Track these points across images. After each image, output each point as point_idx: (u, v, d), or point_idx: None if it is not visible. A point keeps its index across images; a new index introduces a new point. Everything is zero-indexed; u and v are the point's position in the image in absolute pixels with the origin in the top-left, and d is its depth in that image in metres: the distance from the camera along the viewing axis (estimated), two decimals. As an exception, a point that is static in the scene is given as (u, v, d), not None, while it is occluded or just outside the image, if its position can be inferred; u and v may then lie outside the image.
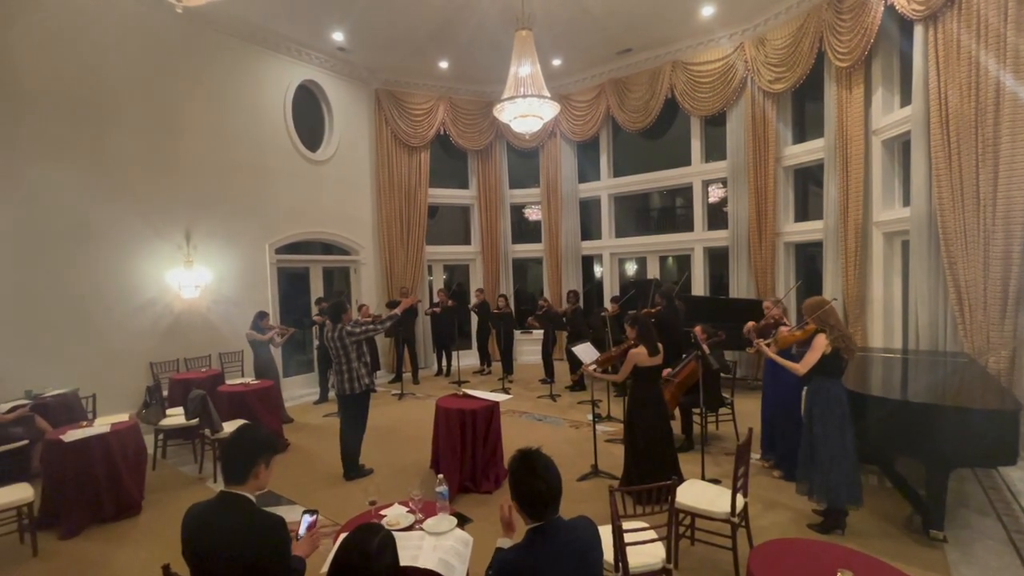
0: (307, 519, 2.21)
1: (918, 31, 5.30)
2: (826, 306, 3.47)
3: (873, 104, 6.37)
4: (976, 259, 4.73)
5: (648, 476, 3.79)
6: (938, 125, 5.03)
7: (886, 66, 6.28)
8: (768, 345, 3.80)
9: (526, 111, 6.02)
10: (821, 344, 3.37)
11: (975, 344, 4.75)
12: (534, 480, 1.79)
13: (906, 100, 5.98)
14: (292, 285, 8.52)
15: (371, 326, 4.79)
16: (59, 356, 5.60)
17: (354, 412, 4.83)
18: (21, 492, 3.71)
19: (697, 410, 4.91)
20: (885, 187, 6.33)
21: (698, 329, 4.80)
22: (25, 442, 4.61)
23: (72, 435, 4.09)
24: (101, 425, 4.36)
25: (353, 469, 4.81)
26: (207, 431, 5.00)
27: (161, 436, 5.40)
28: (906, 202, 6.04)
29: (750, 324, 4.40)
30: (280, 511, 2.14)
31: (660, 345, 4.05)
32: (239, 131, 7.36)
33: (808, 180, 7.90)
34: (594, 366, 4.39)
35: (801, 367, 3.43)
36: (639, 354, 3.97)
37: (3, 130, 5.32)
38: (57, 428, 4.52)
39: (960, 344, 4.92)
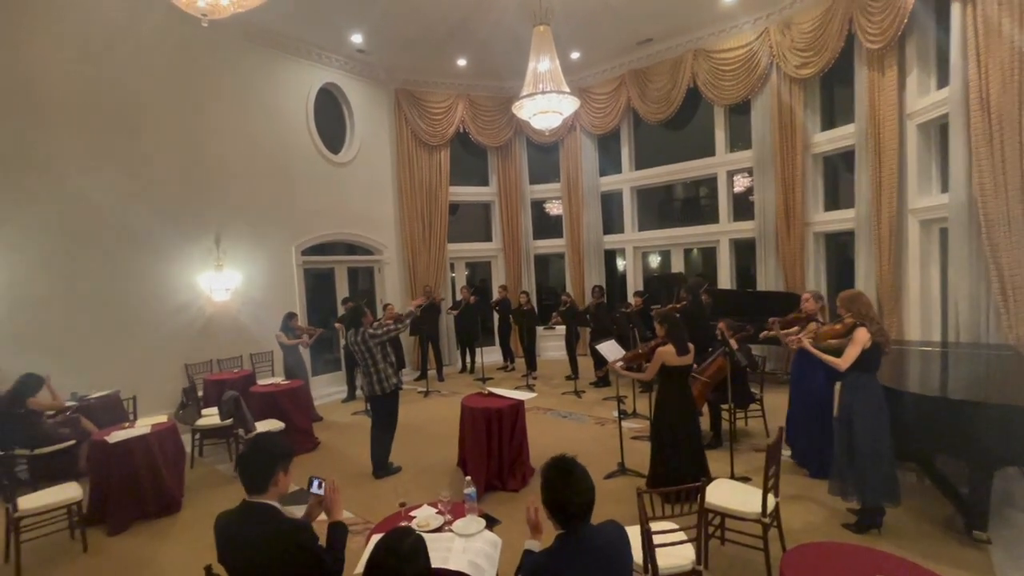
0: (316, 483, 2.20)
1: (955, 9, 5.07)
2: (863, 299, 3.40)
3: (907, 87, 6.14)
4: (1021, 246, 4.53)
5: (675, 476, 3.76)
6: (978, 107, 4.81)
7: (921, 47, 6.03)
8: (808, 335, 3.72)
9: (545, 107, 5.99)
10: (863, 338, 3.29)
11: (1020, 335, 4.56)
12: (568, 492, 1.77)
13: (943, 82, 5.74)
14: (318, 286, 8.67)
15: (391, 326, 4.86)
16: (101, 359, 5.83)
17: (384, 413, 4.91)
18: (70, 491, 3.89)
19: (726, 406, 4.84)
20: (921, 173, 6.10)
21: (722, 324, 4.72)
22: (72, 442, 4.84)
23: (116, 436, 4.27)
24: (142, 426, 4.54)
25: (382, 468, 4.90)
26: (241, 431, 5.15)
27: (198, 436, 5.58)
28: (944, 188, 5.81)
29: (773, 320, 4.32)
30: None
31: (691, 344, 4.00)
32: (263, 136, 7.51)
33: (838, 167, 7.67)
34: (621, 363, 4.36)
35: (843, 362, 3.34)
36: (667, 352, 3.93)
37: (41, 142, 5.55)
38: (102, 429, 4.72)
39: (1004, 336, 4.72)
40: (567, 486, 1.77)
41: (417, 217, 9.51)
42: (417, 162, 9.50)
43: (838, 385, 3.64)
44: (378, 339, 4.78)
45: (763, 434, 5.32)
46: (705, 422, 5.14)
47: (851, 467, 3.39)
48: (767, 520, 2.96)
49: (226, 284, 6.94)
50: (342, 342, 7.90)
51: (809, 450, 4.34)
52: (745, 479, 4.13)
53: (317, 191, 8.18)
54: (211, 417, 5.45)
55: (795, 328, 4.28)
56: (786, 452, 4.56)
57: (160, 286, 6.43)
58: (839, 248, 7.72)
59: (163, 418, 4.81)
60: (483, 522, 2.58)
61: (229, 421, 5.16)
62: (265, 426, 5.26)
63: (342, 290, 8.75)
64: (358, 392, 7.67)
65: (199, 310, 6.79)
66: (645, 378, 4.19)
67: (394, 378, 4.85)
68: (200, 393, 6.27)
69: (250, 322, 7.26)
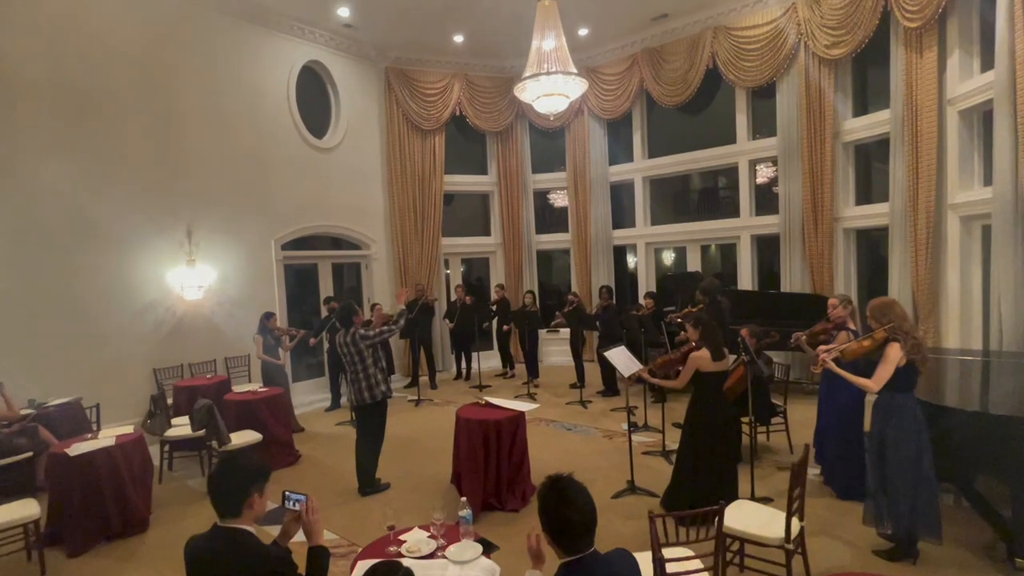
0: (292, 499, 2.13)
1: (1002, -16, 5.05)
2: (897, 309, 3.33)
3: (948, 70, 6.12)
4: (1071, 247, 4.52)
5: (707, 495, 3.75)
6: (1026, 93, 4.80)
7: (964, 26, 6.02)
8: (831, 353, 3.66)
9: (550, 89, 5.97)
10: (895, 355, 3.22)
11: (1069, 344, 4.55)
12: (565, 510, 1.78)
13: (987, 64, 5.72)
14: (300, 283, 8.66)
15: (385, 328, 4.85)
16: (61, 363, 5.82)
17: (371, 423, 4.90)
18: (28, 508, 3.88)
19: (746, 419, 4.84)
20: (962, 164, 6.09)
21: (744, 332, 4.72)
22: (30, 454, 4.82)
23: (77, 448, 4.25)
24: (106, 437, 4.53)
25: (369, 484, 4.90)
26: (214, 443, 5.14)
27: (167, 448, 5.57)
28: (987, 181, 5.80)
29: (797, 335, 4.32)
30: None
31: (726, 350, 4.01)
32: (240, 118, 7.49)
33: (871, 157, 7.65)
34: (650, 367, 4.38)
35: (874, 383, 3.29)
36: (701, 358, 3.95)
37: (-3, 126, 5.53)
38: (62, 440, 4.71)
39: (1052, 344, 4.72)
40: (564, 505, 1.77)
41: (409, 208, 9.49)
42: (409, 148, 9.48)
43: (869, 399, 3.62)
44: (370, 341, 4.76)
45: (787, 450, 5.31)
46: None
47: (884, 492, 3.37)
48: (791, 546, 2.95)
49: (199, 281, 6.92)
50: (326, 346, 7.89)
51: (838, 468, 4.33)
52: (767, 500, 4.13)
53: (299, 179, 8.16)
54: (182, 427, 5.43)
55: (822, 339, 4.26)
56: (814, 471, 4.56)
57: (126, 283, 6.41)
58: (871, 246, 7.71)
59: (129, 428, 4.79)
60: (480, 547, 2.57)
61: (201, 432, 5.14)
62: (241, 437, 5.25)
63: (326, 288, 8.74)
64: (343, 400, 7.67)
65: (169, 310, 6.77)
66: (677, 385, 4.18)
67: (383, 385, 4.84)
68: (170, 401, 6.25)
69: (225, 323, 7.24)
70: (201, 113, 7.09)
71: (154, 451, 5.33)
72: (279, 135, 7.96)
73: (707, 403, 4.03)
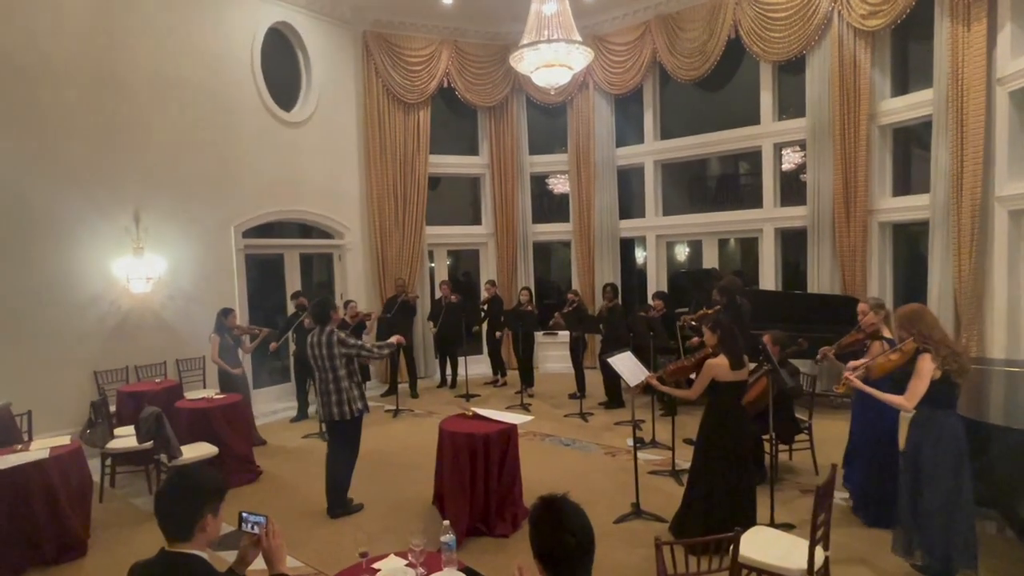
0: (250, 521, 2.11)
1: (1060, -50, 5.10)
2: (927, 317, 3.36)
3: (999, 45, 6.16)
4: None
5: (721, 522, 3.76)
6: (1084, 73, 4.85)
7: (1016, -5, 6.06)
8: (858, 371, 3.68)
9: (551, 60, 5.97)
10: (928, 368, 3.25)
11: None
12: (560, 534, 1.77)
13: (1042, 40, 5.77)
14: (263, 276, 8.63)
15: (366, 350, 4.86)
16: (-13, 364, 5.78)
17: (344, 440, 4.91)
18: (-53, 530, 3.85)
19: (767, 436, 4.87)
20: (1012, 152, 6.14)
21: (767, 338, 4.74)
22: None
23: (6, 461, 4.22)
24: (39, 449, 4.49)
25: (339, 505, 4.89)
26: (163, 456, 5.12)
27: (109, 461, 5.54)
28: (1040, 171, 5.85)
29: (824, 350, 4.35)
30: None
31: (746, 357, 4.04)
32: (197, 87, 7.44)
33: (911, 143, 7.70)
34: (661, 374, 4.40)
35: (907, 400, 3.31)
36: (719, 366, 3.96)
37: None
38: (-13, 452, 4.66)
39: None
40: (558, 526, 1.77)
41: (388, 193, 9.47)
42: (390, 124, 9.45)
43: (905, 416, 3.64)
44: (346, 350, 4.75)
45: (811, 471, 5.35)
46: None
47: (916, 518, 3.40)
48: (814, 579, 2.97)
49: (147, 272, 6.88)
50: (292, 347, 7.87)
51: (868, 492, 4.36)
52: (788, 527, 4.15)
53: (263, 158, 8.13)
54: (126, 439, 5.39)
55: (852, 351, 4.29)
56: (842, 495, 4.59)
57: (63, 274, 6.36)
58: (910, 242, 7.77)
59: (66, 439, 4.76)
60: (464, 577, 2.58)
61: (149, 444, 5.11)
62: (193, 451, 5.22)
63: (293, 282, 8.71)
64: (311, 410, 7.66)
65: (113, 304, 6.73)
66: (690, 396, 4.19)
67: (359, 403, 4.84)
68: (113, 408, 6.21)
69: (177, 320, 7.21)
70: (151, 81, 7.03)
71: (94, 465, 5.29)
72: (241, 107, 7.91)
73: (724, 417, 4.04)
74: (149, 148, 7.01)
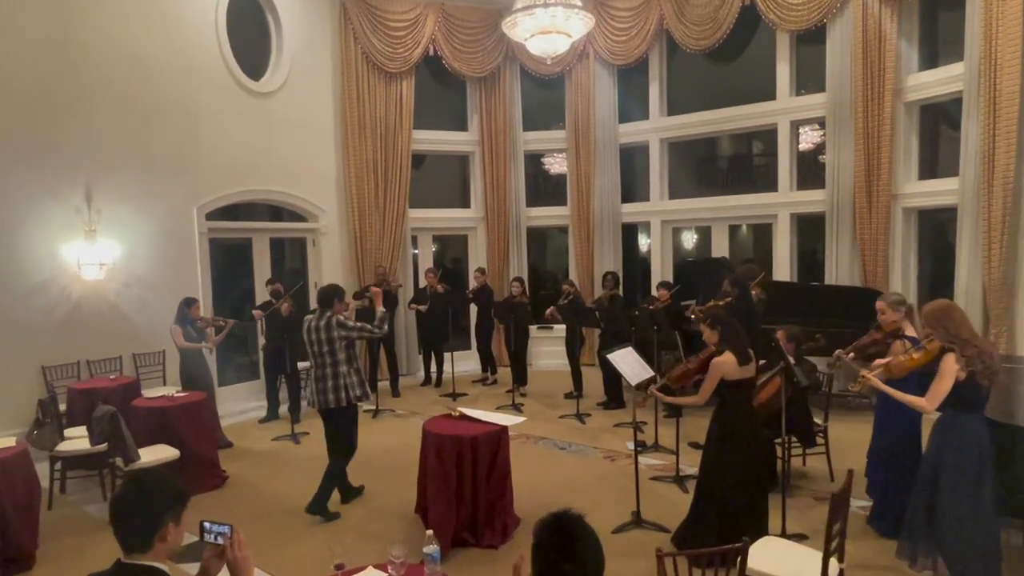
0: (213, 531, 2.11)
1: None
2: (954, 315, 3.39)
3: (1036, 15, 6.18)
4: None
5: (730, 533, 3.79)
6: None
7: (1056, -40, 6.07)
8: (876, 370, 3.70)
9: (548, 26, 5.96)
10: (951, 368, 3.28)
11: None
12: (567, 564, 1.76)
13: (1083, 9, 5.79)
14: (230, 263, 8.59)
15: (367, 329, 5.08)
16: (-77, 358, 5.75)
17: (343, 431, 5.10)
18: None
19: (779, 441, 4.90)
20: (1049, 132, 6.18)
21: (780, 334, 4.76)
22: None
23: (-58, 465, 4.19)
24: (-20, 451, 4.47)
25: (319, 506, 4.97)
26: (119, 460, 5.11)
27: (58, 465, 5.51)
28: (1078, 154, 5.89)
29: (839, 353, 4.37)
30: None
31: (752, 352, 4.06)
32: (156, 54, 7.36)
33: (939, 121, 7.73)
34: (663, 383, 4.42)
35: (928, 402, 3.35)
36: (725, 363, 3.98)
37: None
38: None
39: None
40: (566, 554, 1.76)
41: (368, 171, 9.42)
42: (369, 95, 9.39)
43: (928, 419, 3.68)
44: (346, 333, 4.96)
45: (826, 477, 5.40)
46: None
47: (929, 526, 3.45)
48: (828, 593, 3.01)
49: (100, 257, 6.84)
50: (260, 341, 7.85)
51: (888, 502, 4.41)
52: (801, 538, 4.19)
53: (230, 132, 8.07)
54: (78, 440, 5.38)
55: (872, 352, 4.31)
56: (859, 503, 4.63)
57: (6, 259, 6.32)
58: (937, 230, 7.83)
59: (10, 441, 4.72)
60: (448, 591, 2.59)
61: (103, 446, 5.11)
62: (153, 454, 5.21)
63: (262, 269, 8.67)
64: (282, 410, 7.65)
65: (62, 292, 6.69)
66: (698, 402, 4.20)
67: (357, 389, 5.05)
68: (63, 407, 6.19)
69: (134, 310, 7.18)
70: (104, 47, 6.95)
71: (42, 469, 5.25)
72: (205, 75, 7.84)
73: (734, 418, 4.07)
74: (102, 121, 6.94)
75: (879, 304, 4.52)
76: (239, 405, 8.20)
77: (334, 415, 5.02)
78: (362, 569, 2.84)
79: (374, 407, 8.07)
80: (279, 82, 8.66)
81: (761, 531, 3.92)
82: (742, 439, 4.04)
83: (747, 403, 4.14)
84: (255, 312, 7.56)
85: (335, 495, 5.11)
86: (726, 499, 4.02)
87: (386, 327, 5.15)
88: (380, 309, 5.15)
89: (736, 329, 4.09)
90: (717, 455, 4.12)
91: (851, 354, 4.46)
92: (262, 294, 8.16)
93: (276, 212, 8.96)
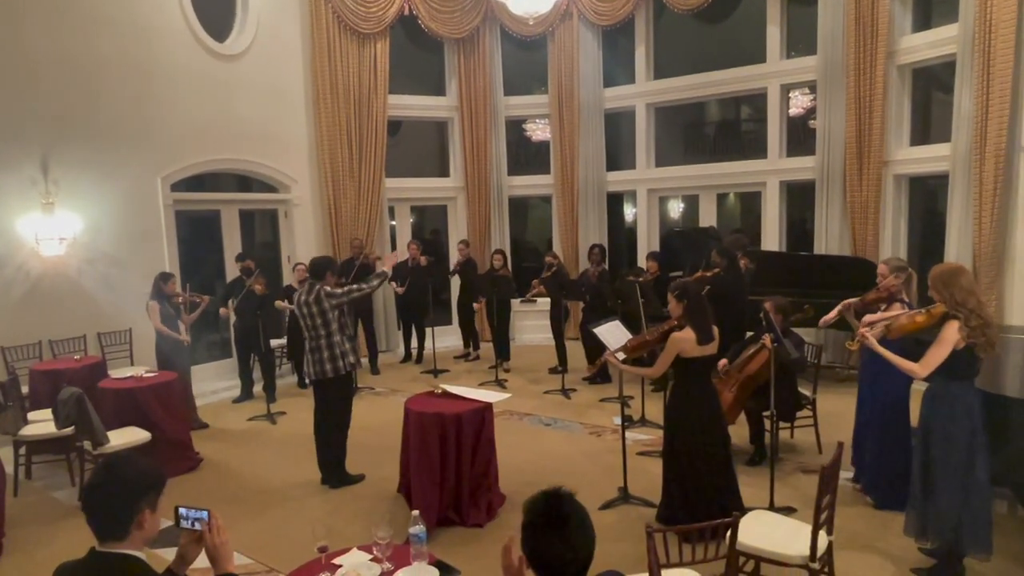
0: (189, 517, 2.13)
1: None
2: (963, 280, 3.34)
3: (1032, -26, 6.19)
4: None
5: (696, 508, 3.89)
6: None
7: (1054, -83, 6.07)
8: (875, 326, 3.76)
9: (530, -16, 5.85)
10: (952, 336, 3.29)
11: None
12: (558, 544, 1.78)
13: (1080, -31, 5.81)
14: (197, 236, 8.48)
15: (355, 287, 5.25)
16: None
17: (337, 400, 5.23)
18: None
19: (767, 413, 5.00)
20: (1043, 96, 6.24)
21: (768, 305, 4.81)
22: None
23: (-100, 452, 4.14)
24: (-61, 437, 4.43)
25: (339, 476, 5.17)
26: (87, 443, 5.07)
27: (23, 450, 5.48)
28: (1071, 119, 5.96)
29: (848, 302, 4.41)
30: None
31: (716, 329, 4.08)
32: (114, 14, 7.18)
33: (932, 85, 7.77)
34: (621, 354, 4.43)
35: (921, 367, 3.38)
36: (684, 340, 3.99)
37: None
38: None
39: None
40: (559, 534, 1.79)
41: (342, 139, 9.31)
42: (342, 58, 9.24)
43: (917, 388, 3.74)
44: (337, 300, 5.08)
45: (814, 450, 5.52)
46: (738, 433, 5.30)
47: (926, 499, 3.54)
48: (816, 566, 3.09)
49: (60, 232, 6.73)
50: (231, 318, 7.79)
51: (878, 472, 4.53)
52: (789, 511, 4.30)
53: (194, 97, 7.93)
54: (42, 424, 5.34)
55: (871, 311, 4.36)
56: (848, 474, 4.75)
57: (-41, 233, 6.19)
58: (928, 197, 7.92)
59: (-29, 426, 4.69)
60: (435, 572, 2.63)
61: (70, 429, 5.07)
62: (122, 436, 5.19)
63: (232, 243, 8.57)
64: (256, 389, 7.63)
65: (20, 270, 6.59)
66: (653, 374, 4.27)
67: (351, 356, 5.25)
68: (25, 390, 6.14)
69: (97, 287, 7.10)
70: (61, 6, 6.75)
71: (6, 455, 5.23)
72: (166, 36, 7.66)
73: (690, 396, 4.12)
74: (57, 86, 6.77)
75: (881, 267, 4.57)
76: (211, 385, 8.15)
77: (331, 385, 5.15)
78: (346, 551, 2.86)
79: (353, 385, 8.07)
80: (245, 44, 8.48)
81: (736, 506, 4.01)
82: (697, 418, 4.09)
83: (705, 381, 4.19)
84: (222, 311, 7.52)
85: (316, 474, 5.21)
86: (685, 476, 4.11)
87: (376, 285, 5.27)
88: (384, 270, 5.41)
89: (703, 306, 4.08)
90: (674, 433, 4.19)
91: (860, 304, 4.44)
92: (232, 270, 8.07)
93: (245, 183, 8.83)
